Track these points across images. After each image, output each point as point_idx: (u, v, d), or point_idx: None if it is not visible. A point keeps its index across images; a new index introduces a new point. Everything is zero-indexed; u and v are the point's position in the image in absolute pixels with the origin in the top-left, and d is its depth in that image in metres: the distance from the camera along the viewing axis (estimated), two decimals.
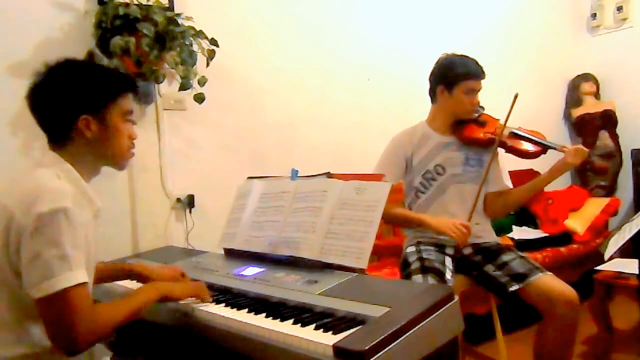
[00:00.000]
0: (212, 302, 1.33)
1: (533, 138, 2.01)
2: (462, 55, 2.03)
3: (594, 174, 3.70)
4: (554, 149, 1.96)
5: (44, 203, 1.04)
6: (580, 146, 1.91)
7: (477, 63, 2.00)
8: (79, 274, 1.05)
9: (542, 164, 2.06)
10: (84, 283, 1.06)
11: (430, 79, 2.07)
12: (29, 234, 1.03)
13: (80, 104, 1.18)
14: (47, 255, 1.02)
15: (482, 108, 2.04)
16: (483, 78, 1.99)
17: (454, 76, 1.97)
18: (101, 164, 1.27)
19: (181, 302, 1.32)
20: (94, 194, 1.23)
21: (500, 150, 2.05)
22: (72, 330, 1.02)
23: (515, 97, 1.91)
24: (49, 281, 1.01)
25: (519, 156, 2.03)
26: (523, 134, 2.02)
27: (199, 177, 2.42)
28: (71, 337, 1.02)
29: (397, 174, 2.03)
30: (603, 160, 3.65)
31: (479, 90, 2.01)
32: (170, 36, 2.05)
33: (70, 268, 1.03)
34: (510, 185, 2.07)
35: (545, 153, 2.01)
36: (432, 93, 2.07)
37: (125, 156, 1.28)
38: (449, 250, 1.97)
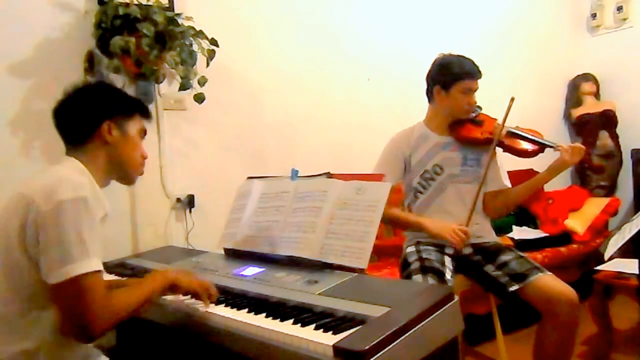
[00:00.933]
0: (214, 302, 1.33)
1: (530, 137, 2.01)
2: (458, 55, 2.02)
3: (592, 172, 3.70)
4: (552, 147, 1.97)
5: (65, 191, 1.09)
6: (578, 144, 1.92)
7: (473, 63, 1.99)
8: (96, 262, 1.09)
9: (541, 164, 2.06)
10: (99, 271, 1.09)
11: (427, 79, 2.08)
12: (49, 220, 1.07)
13: (106, 109, 1.30)
14: (66, 241, 1.06)
15: (480, 108, 2.04)
16: (479, 78, 1.99)
17: (450, 76, 1.97)
18: (113, 173, 1.34)
19: (185, 301, 1.33)
20: (105, 198, 1.28)
21: (498, 150, 2.05)
22: (88, 316, 1.05)
23: (512, 100, 1.92)
24: (67, 267, 1.05)
25: (516, 155, 2.03)
26: (521, 132, 2.02)
27: (199, 177, 2.42)
28: (87, 323, 1.05)
29: (396, 174, 2.03)
30: (603, 160, 3.65)
31: (475, 90, 2.01)
32: (170, 36, 2.05)
33: (88, 255, 1.07)
34: (509, 185, 2.08)
35: (542, 152, 2.01)
36: (429, 93, 2.08)
37: (137, 170, 1.38)
38: (449, 250, 1.97)
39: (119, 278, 1.70)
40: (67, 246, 1.06)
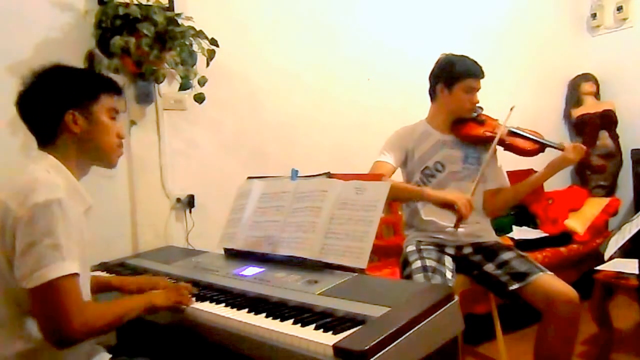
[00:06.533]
0: (197, 298, 1.35)
1: (531, 136, 2.03)
2: (461, 55, 2.05)
3: (593, 172, 3.70)
4: (552, 147, 1.99)
5: (39, 194, 1.07)
6: (579, 143, 1.94)
7: (476, 63, 2.03)
8: (71, 265, 1.06)
9: (542, 164, 2.07)
10: (75, 274, 1.07)
11: (430, 78, 2.10)
12: (24, 224, 1.05)
13: (65, 99, 1.23)
14: (40, 244, 1.04)
15: (481, 109, 2.07)
16: (482, 77, 2.02)
17: (454, 74, 2.00)
18: (89, 161, 1.30)
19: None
20: (85, 191, 1.25)
21: (499, 149, 2.06)
22: (62, 320, 1.03)
23: (511, 110, 1.94)
24: (41, 271, 1.03)
25: (517, 153, 2.05)
26: (522, 132, 2.04)
27: (199, 177, 2.41)
28: (61, 327, 1.04)
29: (397, 159, 2.04)
30: (603, 160, 3.65)
31: (478, 90, 2.03)
32: (170, 36, 2.05)
33: (62, 258, 1.05)
34: (508, 184, 2.09)
35: (543, 151, 2.03)
36: (432, 92, 2.10)
37: (114, 153, 1.31)
38: (449, 250, 1.97)
39: (109, 275, 1.69)
40: (42, 250, 1.03)
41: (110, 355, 1.30)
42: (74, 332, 1.05)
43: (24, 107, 1.25)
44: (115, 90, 1.32)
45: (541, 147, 2.01)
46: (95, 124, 1.26)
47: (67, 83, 1.26)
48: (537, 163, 2.15)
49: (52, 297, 1.04)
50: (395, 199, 2.13)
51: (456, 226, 1.87)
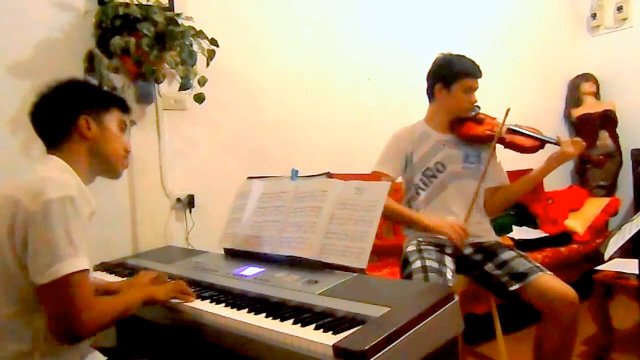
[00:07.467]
0: (197, 297, 1.36)
1: (531, 133, 2.04)
2: (459, 55, 2.05)
3: (593, 166, 3.70)
4: (552, 142, 1.99)
5: (52, 191, 1.08)
6: (577, 138, 1.94)
7: (474, 62, 2.02)
8: (83, 261, 1.08)
9: (542, 163, 2.07)
10: (87, 270, 1.09)
11: (427, 78, 2.09)
12: (37, 220, 1.07)
13: (81, 103, 1.28)
14: (54, 240, 1.06)
15: (479, 107, 2.06)
16: (480, 77, 2.02)
17: (452, 74, 1.99)
18: (96, 168, 1.32)
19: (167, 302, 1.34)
20: (91, 195, 1.27)
21: (499, 147, 2.06)
22: (75, 315, 1.05)
23: (507, 112, 1.94)
24: (56, 266, 1.05)
25: (517, 151, 2.05)
26: (521, 130, 2.04)
27: (199, 177, 2.42)
28: (73, 321, 1.05)
29: (396, 170, 2.03)
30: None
31: (476, 89, 2.03)
32: (170, 36, 2.05)
33: (76, 254, 1.07)
34: (508, 182, 2.10)
35: (543, 148, 2.03)
36: (430, 92, 2.09)
37: (121, 163, 1.36)
38: (449, 250, 1.97)
39: (107, 281, 1.69)
40: (56, 245, 1.05)
41: (106, 358, 1.30)
42: (83, 327, 1.07)
43: (38, 111, 1.28)
44: (125, 107, 1.39)
45: (541, 143, 2.02)
46: (107, 131, 1.31)
47: (83, 91, 1.34)
48: (538, 161, 2.15)
49: (65, 292, 1.05)
50: (391, 220, 2.14)
51: (456, 252, 1.92)
